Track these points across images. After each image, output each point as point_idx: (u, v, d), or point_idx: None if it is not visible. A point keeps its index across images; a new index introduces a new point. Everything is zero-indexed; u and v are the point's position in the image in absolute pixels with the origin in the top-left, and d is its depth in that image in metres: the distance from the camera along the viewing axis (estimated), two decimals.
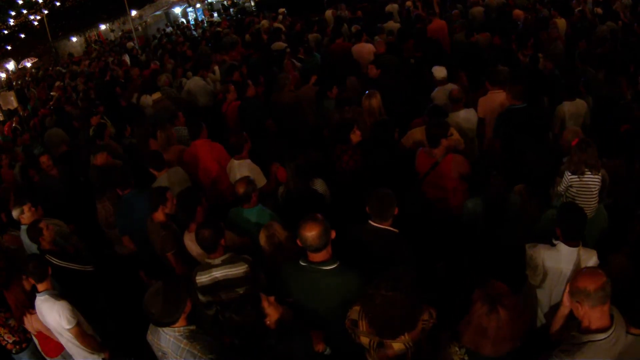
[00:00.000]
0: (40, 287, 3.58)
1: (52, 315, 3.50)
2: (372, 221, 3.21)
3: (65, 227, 4.95)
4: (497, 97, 5.22)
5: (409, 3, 11.58)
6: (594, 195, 3.72)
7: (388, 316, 2.38)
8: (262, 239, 3.40)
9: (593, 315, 2.32)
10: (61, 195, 5.81)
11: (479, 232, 3.90)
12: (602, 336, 2.30)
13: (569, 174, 3.76)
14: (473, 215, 3.89)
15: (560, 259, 3.01)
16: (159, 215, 3.97)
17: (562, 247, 3.01)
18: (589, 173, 3.70)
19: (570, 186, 3.78)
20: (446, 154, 4.23)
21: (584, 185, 3.71)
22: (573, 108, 5.12)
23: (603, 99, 5.64)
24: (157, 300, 2.57)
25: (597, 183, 3.71)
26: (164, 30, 20.71)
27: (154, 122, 6.52)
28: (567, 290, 2.44)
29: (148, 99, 7.87)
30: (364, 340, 2.55)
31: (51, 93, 13.08)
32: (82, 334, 3.60)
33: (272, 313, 2.52)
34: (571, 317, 2.54)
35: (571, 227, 3.01)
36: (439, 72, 5.86)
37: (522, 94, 4.81)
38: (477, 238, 3.93)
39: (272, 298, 2.58)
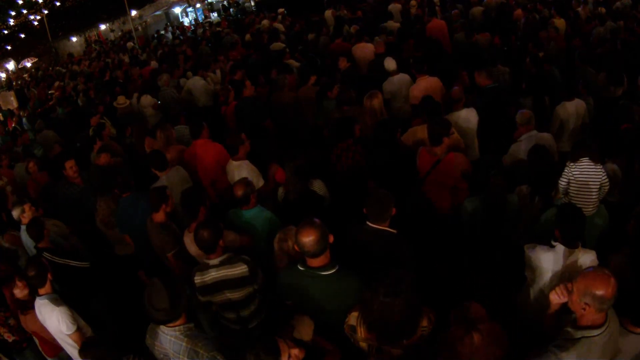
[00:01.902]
0: (40, 291, 3.57)
1: (52, 320, 3.50)
2: (369, 222, 3.20)
3: (64, 228, 4.94)
4: (423, 83, 5.76)
5: (413, 2, 11.55)
6: (593, 193, 3.72)
7: (386, 322, 2.33)
8: (276, 240, 3.35)
9: (593, 316, 2.31)
10: (81, 208, 5.17)
11: (479, 232, 3.90)
12: (596, 332, 2.30)
13: (568, 162, 3.80)
14: (471, 215, 3.89)
15: (559, 261, 3.00)
16: (159, 216, 3.96)
17: (561, 249, 3.00)
18: (587, 159, 3.71)
19: (571, 180, 3.78)
20: (447, 153, 4.23)
21: (583, 182, 3.71)
22: (572, 108, 5.12)
23: (603, 99, 5.64)
24: (163, 295, 2.54)
25: (594, 178, 3.70)
26: (164, 31, 20.69)
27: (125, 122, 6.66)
28: (575, 288, 2.34)
29: (148, 99, 7.87)
30: (363, 345, 2.52)
31: (50, 91, 13.08)
32: (82, 339, 3.55)
33: None
34: (563, 312, 2.52)
35: (570, 229, 3.00)
36: (389, 64, 6.20)
37: (491, 74, 5.57)
38: (477, 238, 3.93)
39: (296, 351, 2.29)
